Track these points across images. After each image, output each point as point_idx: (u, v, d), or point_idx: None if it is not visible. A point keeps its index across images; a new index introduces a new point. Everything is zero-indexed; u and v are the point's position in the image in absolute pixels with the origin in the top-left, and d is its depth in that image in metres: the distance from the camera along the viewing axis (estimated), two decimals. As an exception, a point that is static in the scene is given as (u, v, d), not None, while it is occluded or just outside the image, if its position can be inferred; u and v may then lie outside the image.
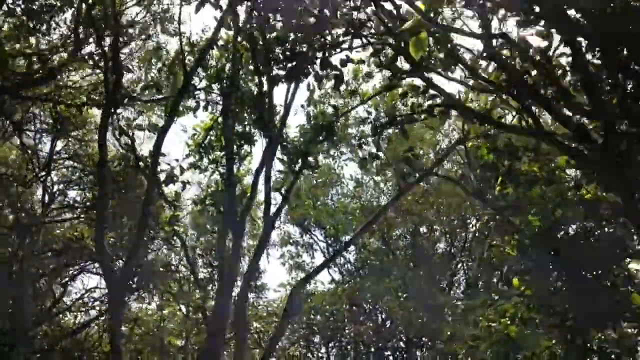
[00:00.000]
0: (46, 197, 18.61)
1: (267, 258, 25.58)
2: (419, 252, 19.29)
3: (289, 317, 12.83)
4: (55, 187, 19.34)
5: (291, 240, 24.91)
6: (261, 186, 13.10)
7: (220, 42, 13.03)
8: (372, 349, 22.25)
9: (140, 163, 12.84)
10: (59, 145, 18.88)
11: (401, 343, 21.63)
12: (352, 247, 23.78)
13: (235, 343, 12.00)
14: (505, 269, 11.43)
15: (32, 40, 12.54)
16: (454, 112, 10.86)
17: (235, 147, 14.63)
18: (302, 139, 11.93)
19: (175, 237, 15.15)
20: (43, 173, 18.12)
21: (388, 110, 11.08)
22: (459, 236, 21.39)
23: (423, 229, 21.67)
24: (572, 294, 8.97)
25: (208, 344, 11.74)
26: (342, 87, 14.30)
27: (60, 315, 19.11)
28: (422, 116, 10.82)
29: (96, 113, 17.23)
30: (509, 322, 11.55)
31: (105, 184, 11.57)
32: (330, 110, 12.70)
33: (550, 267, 9.26)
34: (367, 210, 19.69)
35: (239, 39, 13.06)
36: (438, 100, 10.26)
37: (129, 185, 12.49)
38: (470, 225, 21.40)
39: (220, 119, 14.45)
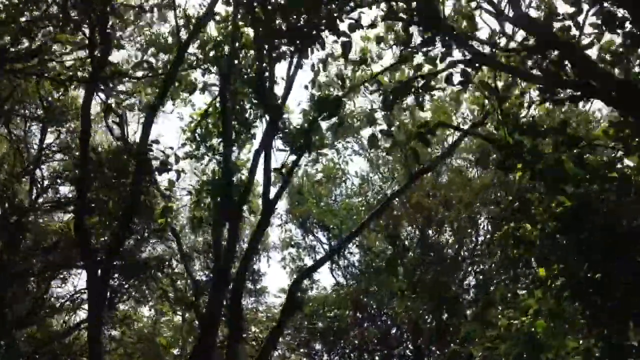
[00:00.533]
0: (34, 192, 17.73)
1: (267, 261, 24.58)
2: (428, 253, 18.18)
3: (288, 315, 11.76)
4: (46, 182, 18.51)
5: (292, 242, 23.85)
6: (261, 172, 12.15)
7: (218, 18, 12.14)
8: (377, 357, 21.07)
9: (129, 143, 11.80)
10: (50, 138, 18.06)
11: (408, 351, 20.43)
12: (356, 250, 22.78)
13: (228, 338, 10.95)
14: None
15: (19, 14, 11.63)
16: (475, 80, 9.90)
17: (234, 133, 13.70)
18: (305, 116, 10.89)
19: (168, 231, 14.09)
20: (31, 167, 17.23)
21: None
22: (470, 237, 20.24)
23: (431, 231, 20.57)
24: (612, 285, 7.92)
25: (200, 339, 10.72)
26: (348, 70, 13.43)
27: (48, 318, 18.06)
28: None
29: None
30: (531, 320, 10.45)
31: (87, 158, 10.53)
32: (335, 92, 11.76)
33: (585, 253, 8.20)
34: (374, 208, 18.64)
35: (239, 15, 12.17)
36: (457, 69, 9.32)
37: (118, 169, 11.44)
38: (482, 226, 20.30)
39: (218, 103, 13.54)
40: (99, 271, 10.74)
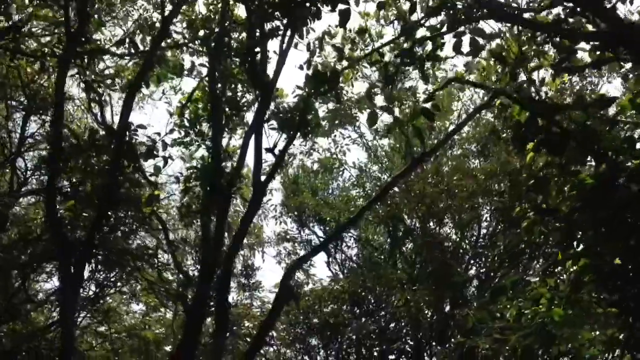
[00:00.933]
0: (16, 182, 16.94)
1: (262, 257, 23.78)
2: (429, 246, 17.42)
3: (280, 306, 10.99)
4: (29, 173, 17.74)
5: (288, 237, 23.08)
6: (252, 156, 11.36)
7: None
8: (376, 352, 20.32)
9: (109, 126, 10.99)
10: (34, 127, 17.28)
11: (407, 347, 19.68)
12: (354, 244, 22.03)
13: (214, 328, 10.18)
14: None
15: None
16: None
17: (224, 118, 12.93)
18: (299, 95, 10.11)
19: (155, 220, 13.29)
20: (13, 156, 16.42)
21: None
22: (472, 230, 19.47)
23: (432, 224, 19.78)
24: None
25: (185, 334, 9.97)
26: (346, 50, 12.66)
27: (31, 312, 17.25)
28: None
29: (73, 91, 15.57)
30: (544, 309, 9.71)
31: (60, 136, 9.71)
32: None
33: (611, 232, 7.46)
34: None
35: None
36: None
37: (95, 150, 10.62)
38: (484, 218, 19.54)
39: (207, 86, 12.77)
40: (73, 263, 9.87)
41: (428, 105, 8.75)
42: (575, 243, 8.13)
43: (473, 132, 17.79)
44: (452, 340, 15.74)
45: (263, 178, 10.82)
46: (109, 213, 10.72)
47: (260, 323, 20.01)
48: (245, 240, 24.76)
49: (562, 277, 12.96)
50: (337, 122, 17.87)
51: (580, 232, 7.88)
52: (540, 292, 9.85)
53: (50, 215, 9.79)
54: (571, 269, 8.11)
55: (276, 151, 10.74)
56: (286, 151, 10.86)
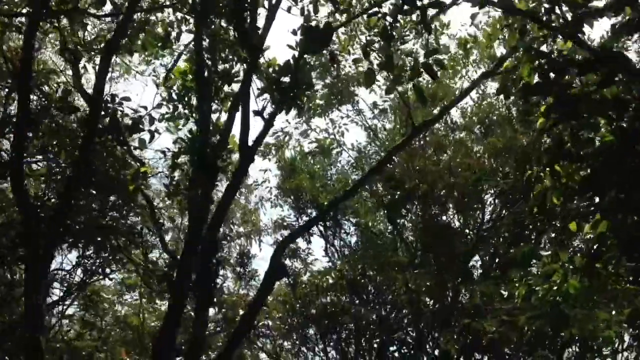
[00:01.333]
0: None
1: (259, 245, 23.00)
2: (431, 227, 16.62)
3: (272, 280, 10.22)
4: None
5: (285, 224, 22.28)
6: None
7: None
8: (375, 343, 19.56)
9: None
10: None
11: (408, 337, 18.90)
12: (352, 230, 21.23)
13: (196, 301, 9.42)
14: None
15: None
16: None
17: (213, 89, 12.15)
18: (292, 53, 9.29)
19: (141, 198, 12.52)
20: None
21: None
22: (476, 214, 18.60)
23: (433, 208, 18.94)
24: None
25: (167, 314, 9.23)
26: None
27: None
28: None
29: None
30: (557, 287, 8.93)
31: (27, 93, 8.89)
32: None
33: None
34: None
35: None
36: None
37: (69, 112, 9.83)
38: (488, 202, 18.70)
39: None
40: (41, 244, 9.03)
41: (430, 60, 7.97)
42: (592, 208, 7.33)
43: (477, 110, 16.99)
44: (457, 326, 14.96)
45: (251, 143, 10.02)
46: (82, 185, 9.90)
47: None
48: (241, 229, 24.14)
49: (576, 250, 12.04)
50: (334, 100, 17.14)
51: (599, 196, 7.08)
52: (552, 268, 9.05)
53: (16, 189, 8.96)
54: (589, 235, 7.32)
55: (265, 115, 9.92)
56: (276, 115, 10.06)
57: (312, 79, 9.99)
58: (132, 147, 11.95)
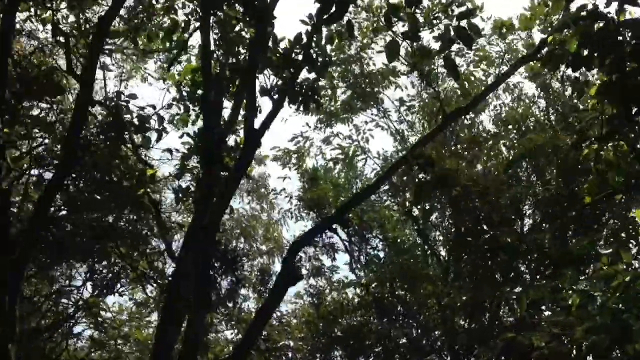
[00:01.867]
0: None
1: (280, 262, 21.78)
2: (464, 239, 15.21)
3: (284, 284, 9.02)
4: None
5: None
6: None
7: None
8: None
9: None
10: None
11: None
12: (379, 245, 19.85)
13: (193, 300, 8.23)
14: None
15: None
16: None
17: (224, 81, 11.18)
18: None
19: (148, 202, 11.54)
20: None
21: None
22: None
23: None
24: None
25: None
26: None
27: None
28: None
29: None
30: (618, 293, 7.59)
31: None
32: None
33: None
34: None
35: None
36: None
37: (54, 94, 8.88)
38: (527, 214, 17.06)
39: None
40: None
41: (464, 23, 6.82)
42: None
43: (512, 113, 15.60)
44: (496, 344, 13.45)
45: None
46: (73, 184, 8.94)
47: (277, 333, 18.04)
48: (263, 247, 22.98)
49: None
50: (357, 102, 16.08)
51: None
52: (613, 270, 7.69)
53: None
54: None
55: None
56: (286, 94, 8.98)
57: (328, 54, 8.91)
58: (137, 147, 11.02)
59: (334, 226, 21.56)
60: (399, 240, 18.77)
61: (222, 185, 9.41)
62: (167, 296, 8.88)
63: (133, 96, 11.87)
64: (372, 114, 16.39)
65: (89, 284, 14.85)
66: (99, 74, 12.57)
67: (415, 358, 17.17)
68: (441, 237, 17.86)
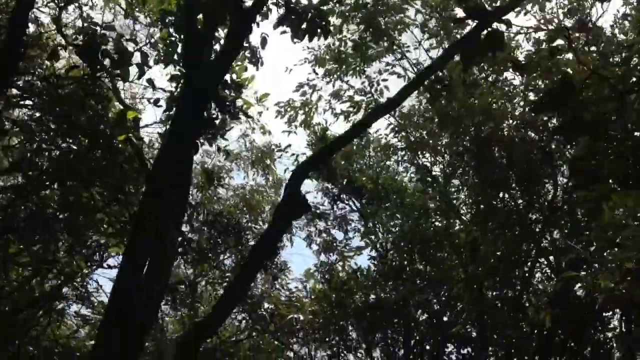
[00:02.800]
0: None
1: (290, 242, 20.11)
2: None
3: (289, 214, 7.35)
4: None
5: (318, 212, 19.50)
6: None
7: None
8: (428, 345, 16.38)
9: None
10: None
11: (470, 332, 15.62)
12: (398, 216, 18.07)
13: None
14: None
15: None
16: None
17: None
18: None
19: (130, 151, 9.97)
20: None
21: None
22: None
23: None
24: None
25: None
26: None
27: None
28: None
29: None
30: None
31: None
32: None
33: None
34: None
35: None
36: None
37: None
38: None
39: None
40: None
41: None
42: None
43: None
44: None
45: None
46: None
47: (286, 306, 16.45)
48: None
49: None
50: (370, 51, 14.39)
51: None
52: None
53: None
54: None
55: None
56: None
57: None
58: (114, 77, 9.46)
59: (345, 198, 20.06)
60: (417, 205, 17.04)
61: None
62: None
63: (110, 27, 10.30)
64: (387, 63, 14.58)
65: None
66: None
67: (441, 332, 15.53)
68: (465, 201, 16.04)
